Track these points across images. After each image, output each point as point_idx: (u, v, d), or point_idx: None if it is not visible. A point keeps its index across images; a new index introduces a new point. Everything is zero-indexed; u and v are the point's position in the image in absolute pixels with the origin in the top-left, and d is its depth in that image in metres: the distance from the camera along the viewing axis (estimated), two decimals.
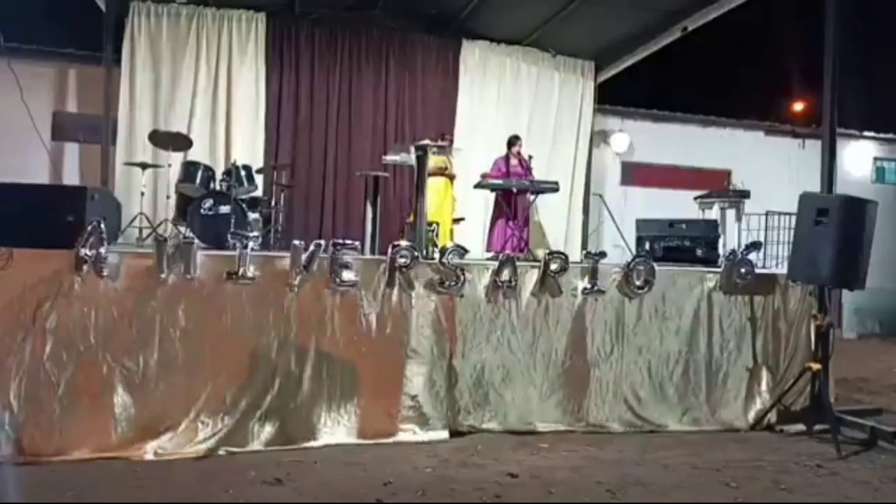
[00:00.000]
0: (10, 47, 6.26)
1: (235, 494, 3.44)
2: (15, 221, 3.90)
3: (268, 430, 4.06)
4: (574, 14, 8.29)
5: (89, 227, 3.87)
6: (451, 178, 7.67)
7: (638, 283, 4.91)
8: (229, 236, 4.39)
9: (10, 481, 3.36)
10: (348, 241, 4.34)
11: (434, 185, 7.31)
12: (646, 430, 4.77)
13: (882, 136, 12.36)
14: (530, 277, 4.75)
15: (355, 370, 4.29)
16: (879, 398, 6.08)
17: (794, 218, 5.45)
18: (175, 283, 4.01)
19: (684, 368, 4.98)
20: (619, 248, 8.15)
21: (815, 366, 4.94)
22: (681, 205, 8.11)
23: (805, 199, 5.03)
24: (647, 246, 6.32)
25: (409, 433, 4.35)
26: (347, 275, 4.26)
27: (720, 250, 6.33)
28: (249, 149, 8.26)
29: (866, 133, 12.20)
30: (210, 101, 8.33)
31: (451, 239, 7.00)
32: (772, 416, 5.06)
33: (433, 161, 7.05)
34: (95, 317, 3.88)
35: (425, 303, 4.47)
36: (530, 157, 7.68)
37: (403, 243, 4.56)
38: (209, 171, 6.91)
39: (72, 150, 8.69)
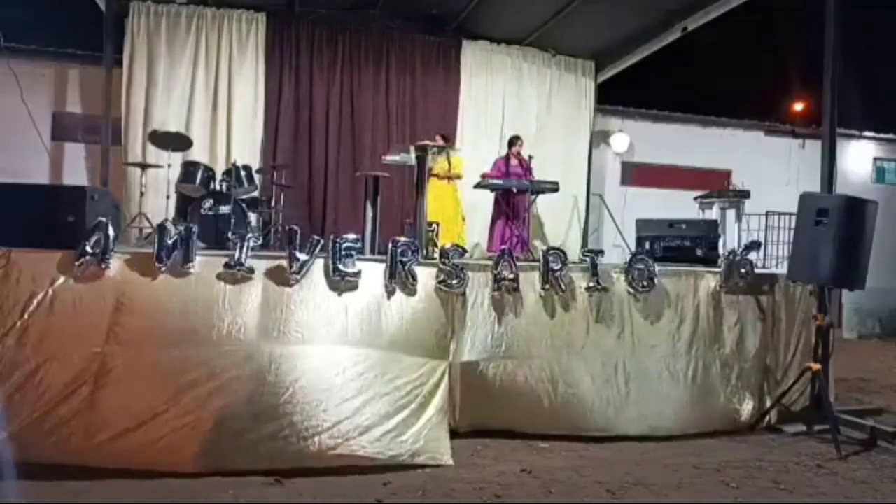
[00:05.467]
0: (10, 47, 6.27)
1: (235, 494, 3.44)
2: (15, 221, 3.90)
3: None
4: (574, 14, 8.29)
5: (94, 225, 3.86)
6: (453, 178, 7.65)
7: (638, 282, 4.91)
8: (229, 236, 4.38)
9: (6, 479, 3.36)
10: (350, 235, 4.32)
11: (441, 188, 7.32)
12: (645, 429, 4.75)
13: (882, 136, 12.36)
14: (531, 276, 4.75)
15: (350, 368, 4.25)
16: (879, 398, 6.08)
17: (794, 218, 5.45)
18: (174, 277, 3.99)
19: (684, 368, 4.96)
20: (619, 248, 8.15)
21: (815, 366, 4.93)
22: (681, 205, 8.13)
23: (805, 199, 5.04)
24: (647, 246, 6.32)
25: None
26: (349, 268, 4.23)
27: (720, 250, 6.33)
28: (249, 149, 8.27)
29: (866, 133, 12.20)
30: (210, 101, 8.33)
31: (464, 241, 6.99)
32: (772, 416, 5.06)
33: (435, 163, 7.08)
34: (95, 315, 3.86)
35: (426, 301, 4.45)
36: (530, 158, 7.68)
37: (403, 238, 4.54)
38: (209, 171, 6.92)
39: (72, 150, 8.68)
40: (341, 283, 4.24)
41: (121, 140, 7.97)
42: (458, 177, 7.69)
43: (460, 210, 7.76)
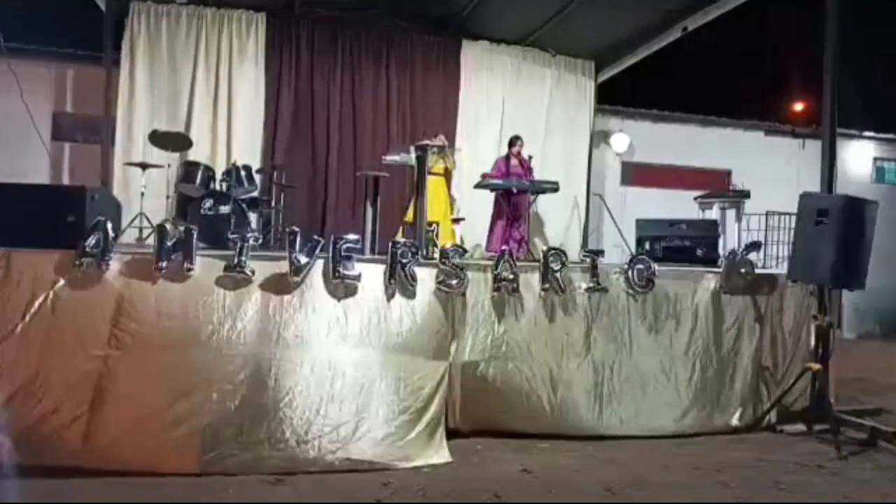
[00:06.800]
0: (10, 47, 6.25)
1: (235, 494, 3.44)
2: (15, 221, 3.90)
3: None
4: (574, 14, 8.30)
5: (93, 224, 3.85)
6: (445, 174, 7.61)
7: (638, 282, 4.90)
8: (230, 236, 4.36)
9: (6, 481, 3.35)
10: (350, 235, 4.30)
11: (433, 184, 7.31)
12: (645, 430, 4.75)
13: (882, 136, 12.37)
14: (531, 277, 4.74)
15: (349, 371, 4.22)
16: (879, 398, 6.07)
17: (794, 218, 5.45)
18: (174, 279, 3.98)
19: (683, 368, 4.96)
20: (618, 248, 8.15)
21: (815, 366, 4.93)
22: (681, 205, 8.13)
23: (805, 199, 5.04)
24: (647, 246, 6.32)
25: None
26: (349, 270, 4.21)
27: (720, 250, 6.34)
28: (249, 149, 8.27)
29: (866, 133, 12.21)
30: (210, 101, 8.33)
31: (453, 239, 7.00)
32: (772, 416, 5.06)
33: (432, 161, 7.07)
34: (96, 317, 3.85)
35: (427, 302, 4.44)
36: (530, 158, 7.69)
37: (403, 240, 4.53)
38: (209, 171, 6.92)
39: (72, 150, 8.69)
40: (341, 285, 4.21)
41: (121, 140, 7.96)
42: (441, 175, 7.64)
43: (444, 206, 7.72)
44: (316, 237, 4.25)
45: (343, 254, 4.19)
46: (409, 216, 6.81)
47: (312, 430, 3.93)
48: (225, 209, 6.30)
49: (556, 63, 9.72)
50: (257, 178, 7.38)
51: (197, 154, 7.75)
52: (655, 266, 4.98)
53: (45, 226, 3.97)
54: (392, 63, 9.02)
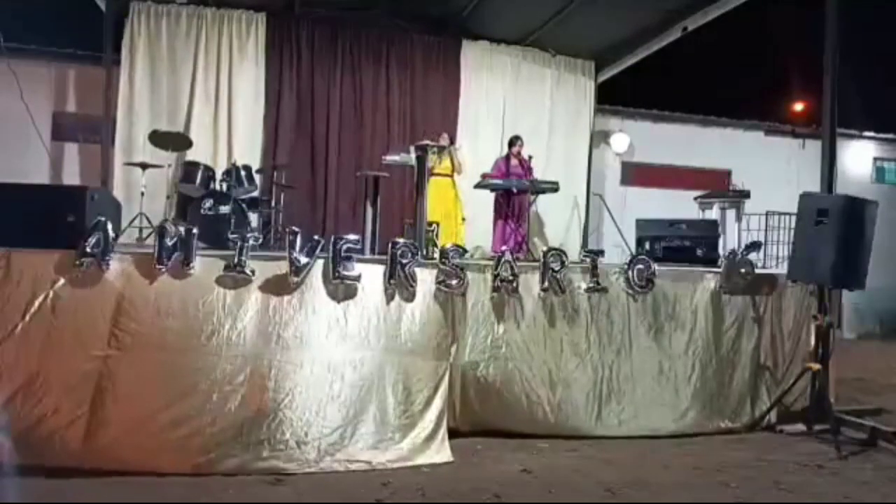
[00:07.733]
0: (10, 47, 6.25)
1: (235, 494, 3.44)
2: (15, 221, 3.90)
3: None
4: (574, 14, 8.30)
5: (94, 224, 3.85)
6: (451, 174, 7.64)
7: (638, 282, 4.90)
8: (230, 236, 4.35)
9: (6, 481, 3.35)
10: (350, 236, 4.29)
11: (439, 185, 7.33)
12: (645, 430, 4.74)
13: (882, 136, 12.37)
14: (531, 277, 4.74)
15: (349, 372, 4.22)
16: (879, 398, 6.07)
17: (794, 218, 5.45)
18: (174, 279, 3.98)
19: (683, 369, 4.96)
20: (619, 248, 8.15)
21: (815, 366, 4.93)
22: (681, 205, 8.13)
23: (805, 199, 5.04)
24: (647, 246, 6.32)
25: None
26: (349, 271, 4.20)
27: (720, 250, 6.34)
28: (249, 149, 8.27)
29: (866, 133, 12.21)
30: (210, 101, 8.32)
31: (460, 239, 6.99)
32: (772, 416, 5.06)
33: (433, 162, 7.09)
34: (96, 317, 3.85)
35: (427, 303, 4.44)
36: (530, 158, 7.69)
37: (403, 240, 4.52)
38: (209, 171, 6.92)
39: (72, 150, 8.69)
40: (341, 286, 4.21)
41: (121, 140, 7.96)
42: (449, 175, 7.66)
43: (460, 208, 7.76)
44: (316, 237, 4.24)
45: (343, 254, 4.19)
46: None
47: (312, 431, 3.92)
48: (225, 209, 6.31)
49: (556, 63, 9.72)
50: (257, 178, 7.38)
51: (197, 154, 7.74)
52: (655, 266, 4.99)
53: (45, 226, 3.97)
54: (392, 63, 9.02)
